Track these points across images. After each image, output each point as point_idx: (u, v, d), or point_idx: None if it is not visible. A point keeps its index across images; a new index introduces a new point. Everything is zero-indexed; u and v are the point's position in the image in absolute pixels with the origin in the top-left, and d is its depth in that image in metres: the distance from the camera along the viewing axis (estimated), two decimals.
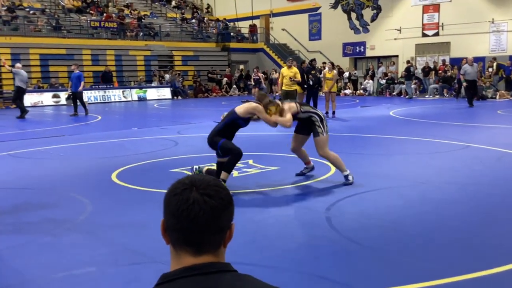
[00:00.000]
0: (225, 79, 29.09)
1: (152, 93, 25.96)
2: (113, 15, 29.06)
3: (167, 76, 26.98)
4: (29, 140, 10.83)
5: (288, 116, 6.24)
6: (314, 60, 16.66)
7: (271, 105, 6.22)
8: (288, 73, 13.81)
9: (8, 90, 22.67)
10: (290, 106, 6.35)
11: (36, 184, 6.69)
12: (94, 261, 3.95)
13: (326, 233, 4.57)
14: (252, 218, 5.04)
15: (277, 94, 16.20)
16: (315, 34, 31.10)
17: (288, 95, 13.50)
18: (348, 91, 27.23)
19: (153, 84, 26.75)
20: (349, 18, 29.37)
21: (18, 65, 17.58)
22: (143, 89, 25.91)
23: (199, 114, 17.50)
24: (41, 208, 5.54)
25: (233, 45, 31.69)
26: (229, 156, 5.98)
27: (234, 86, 29.49)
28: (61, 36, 25.70)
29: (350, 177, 6.38)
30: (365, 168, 7.45)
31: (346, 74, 27.73)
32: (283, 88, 13.88)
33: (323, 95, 15.59)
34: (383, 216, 5.01)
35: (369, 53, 28.70)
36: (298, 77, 13.86)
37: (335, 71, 15.77)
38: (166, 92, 26.43)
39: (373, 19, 28.41)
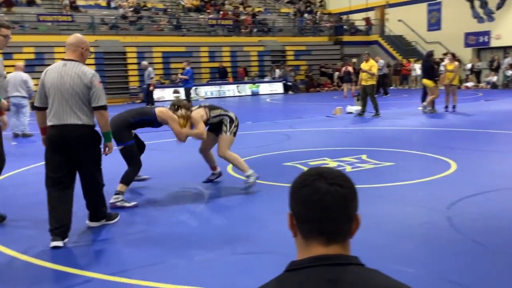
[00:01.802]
0: (337, 73, 28.74)
1: (264, 88, 26.43)
2: (229, 12, 29.99)
3: (277, 72, 27.28)
4: (157, 132, 11.54)
5: (200, 126, 5.89)
6: (431, 51, 15.88)
7: (181, 118, 5.86)
8: (364, 67, 13.63)
9: (133, 86, 24.38)
10: (200, 115, 5.95)
11: (161, 173, 7.12)
12: (210, 249, 4.13)
13: (446, 233, 4.34)
14: (365, 214, 4.92)
15: (356, 90, 15.82)
16: (434, 24, 29.57)
17: (365, 90, 13.49)
18: (470, 84, 25.58)
19: (266, 79, 27.22)
20: (472, 7, 27.51)
21: (145, 63, 18.84)
22: (256, 84, 26.46)
23: (311, 109, 17.50)
24: (164, 197, 5.90)
25: (346, 38, 31.20)
26: (130, 167, 5.66)
27: (346, 80, 28.97)
28: (181, 35, 27.05)
29: (252, 178, 5.99)
30: (488, 166, 6.97)
31: (468, 65, 26.06)
32: (361, 83, 13.73)
33: (443, 88, 14.81)
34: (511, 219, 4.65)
35: (494, 43, 26.67)
36: (374, 70, 13.65)
37: (456, 63, 14.89)
38: (278, 87, 26.76)
39: (499, 6, 26.32)
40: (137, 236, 4.56)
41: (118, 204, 5.42)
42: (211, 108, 6.15)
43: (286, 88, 26.69)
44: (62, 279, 3.68)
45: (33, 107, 4.51)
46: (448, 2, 28.50)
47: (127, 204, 5.45)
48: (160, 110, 5.84)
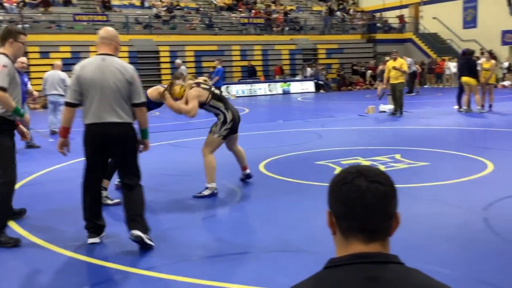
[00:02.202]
0: (370, 71, 28.42)
1: (296, 87, 26.34)
2: (261, 11, 30.02)
3: (308, 70, 27.15)
4: (186, 131, 11.68)
5: (192, 104, 5.63)
6: (470, 49, 15.55)
7: (176, 85, 5.69)
8: (391, 65, 13.47)
9: (166, 85, 24.66)
10: (199, 94, 5.69)
11: (191, 171, 7.19)
12: (244, 246, 4.15)
13: (483, 235, 4.26)
14: (401, 214, 4.87)
15: (382, 89, 15.55)
16: (469, 21, 28.92)
17: (395, 88, 13.33)
18: (507, 83, 24.94)
19: (297, 78, 27.15)
20: (509, 4, 26.75)
21: (178, 61, 19.09)
22: (287, 83, 26.41)
23: (342, 107, 17.37)
24: (193, 194, 5.96)
25: (379, 36, 30.81)
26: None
27: (379, 78, 28.65)
28: (213, 34, 27.22)
29: (206, 192, 5.68)
30: None
31: (505, 64, 25.40)
32: (390, 81, 13.49)
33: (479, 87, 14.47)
34: None
35: None
36: (405, 68, 13.55)
37: (493, 61, 14.54)
38: (309, 86, 26.64)
39: None
40: (167, 232, 4.61)
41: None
42: (215, 96, 5.86)
43: (318, 87, 26.55)
44: (100, 273, 3.77)
45: (66, 104, 4.21)
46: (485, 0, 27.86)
47: (109, 202, 5.44)
48: (150, 91, 5.80)
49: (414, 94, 21.72)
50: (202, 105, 5.80)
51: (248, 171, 6.36)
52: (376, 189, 1.19)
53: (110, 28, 4.43)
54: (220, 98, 5.92)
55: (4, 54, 4.28)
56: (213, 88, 5.95)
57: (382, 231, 1.22)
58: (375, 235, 1.20)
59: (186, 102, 5.72)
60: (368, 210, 1.18)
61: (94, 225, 4.31)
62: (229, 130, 5.81)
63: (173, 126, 12.21)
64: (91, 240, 4.26)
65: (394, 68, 13.43)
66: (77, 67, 4.20)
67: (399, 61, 13.61)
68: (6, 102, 4.22)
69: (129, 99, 4.18)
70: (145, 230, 4.10)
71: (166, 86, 5.79)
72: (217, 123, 5.81)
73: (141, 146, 4.40)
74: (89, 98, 4.12)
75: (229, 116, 5.81)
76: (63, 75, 11.73)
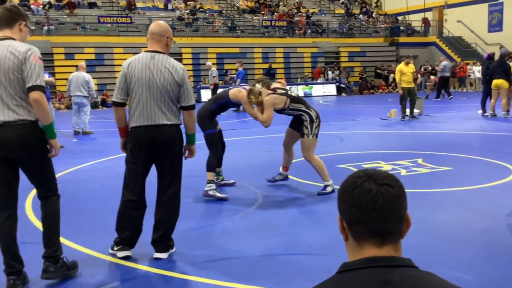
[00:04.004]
0: (392, 75, 28.17)
1: (317, 90, 26.27)
2: (284, 14, 30.04)
3: (330, 73, 27.04)
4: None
5: (267, 114, 5.67)
6: (492, 53, 15.31)
7: (252, 94, 5.73)
8: (407, 70, 13.34)
9: (245, 87, 24.86)
10: (275, 102, 5.68)
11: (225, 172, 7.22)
12: (265, 248, 4.16)
13: (507, 241, 4.19)
14: (423, 219, 4.83)
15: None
16: (495, 25, 28.50)
17: (409, 92, 13.30)
18: None
19: (319, 81, 27.07)
20: None
21: (209, 63, 19.41)
22: (309, 86, 26.35)
23: (364, 111, 17.26)
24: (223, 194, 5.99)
25: (402, 39, 30.56)
26: (210, 152, 5.94)
27: None
28: (235, 36, 27.34)
29: (329, 188, 5.81)
30: None
31: None
32: (403, 85, 13.30)
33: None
34: None
35: None
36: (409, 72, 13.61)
37: None
38: (331, 89, 26.54)
39: None
40: (193, 233, 4.65)
41: (210, 193, 5.75)
42: (293, 99, 5.84)
43: (339, 90, 26.44)
44: (123, 272, 3.82)
45: (113, 103, 3.96)
46: (511, 3, 27.39)
47: (218, 195, 5.75)
48: (233, 92, 5.96)
49: (440, 99, 21.24)
50: (281, 110, 5.82)
51: (287, 172, 6.43)
52: (387, 192, 1.20)
53: (161, 22, 4.05)
54: (298, 100, 5.92)
55: (13, 39, 3.40)
56: (289, 92, 6.00)
57: (395, 233, 1.23)
58: (387, 238, 1.21)
59: (263, 110, 5.77)
60: (380, 213, 1.19)
61: (126, 240, 4.00)
62: (318, 127, 5.86)
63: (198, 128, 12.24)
64: (122, 254, 3.98)
65: (419, 72, 13.35)
66: (124, 64, 3.91)
67: (411, 67, 13.58)
68: (47, 111, 3.36)
69: (178, 102, 3.91)
70: (170, 245, 4.04)
71: (247, 89, 5.88)
72: (306, 125, 5.79)
73: (187, 152, 4.12)
74: (136, 98, 3.84)
75: (313, 114, 5.84)
76: (88, 76, 11.91)
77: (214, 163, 5.95)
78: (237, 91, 5.95)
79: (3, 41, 3.35)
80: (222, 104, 6.04)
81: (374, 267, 1.17)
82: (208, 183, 5.79)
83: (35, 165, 3.46)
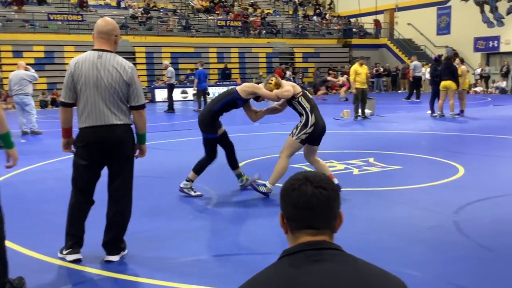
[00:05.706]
0: (345, 76, 28.69)
1: None
2: (240, 15, 30.05)
3: (287, 73, 27.26)
4: (160, 132, 11.60)
5: (287, 87, 5.70)
6: (440, 55, 15.86)
7: (270, 84, 5.83)
8: (362, 71, 13.62)
9: (142, 86, 24.48)
10: (293, 84, 5.86)
11: (167, 173, 7.15)
12: (218, 248, 4.14)
13: (454, 237, 4.33)
14: (374, 217, 4.94)
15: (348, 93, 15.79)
16: (443, 28, 29.50)
17: (363, 93, 13.69)
18: (478, 89, 25.48)
19: None
20: (482, 11, 27.42)
21: (166, 62, 19.16)
22: None
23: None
24: (172, 195, 5.92)
25: (354, 41, 31.18)
26: (206, 156, 5.91)
27: None
28: (190, 36, 27.13)
29: (263, 189, 5.70)
30: (496, 171, 6.95)
31: (478, 70, 25.95)
32: (357, 86, 13.61)
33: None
34: None
35: (503, 48, 26.56)
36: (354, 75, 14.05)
37: (464, 67, 14.84)
38: None
39: (510, 11, 26.24)
40: (145, 234, 4.57)
41: (185, 190, 5.83)
42: (307, 97, 5.76)
43: None
44: (73, 275, 3.71)
45: (61, 103, 3.83)
46: (458, 7, 28.42)
47: (192, 193, 5.83)
48: (241, 87, 5.90)
49: (413, 100, 20.94)
50: (292, 98, 5.69)
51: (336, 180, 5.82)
52: (320, 193, 1.36)
53: (109, 20, 3.92)
54: (309, 100, 5.78)
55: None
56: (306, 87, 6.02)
57: (328, 228, 1.39)
58: (321, 231, 1.38)
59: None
60: (313, 212, 1.36)
61: (77, 241, 3.90)
62: (308, 135, 5.58)
63: (151, 128, 12.08)
64: (72, 257, 3.85)
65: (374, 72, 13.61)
66: (71, 63, 3.78)
67: (365, 68, 13.87)
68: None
69: (128, 101, 3.81)
70: (119, 250, 3.94)
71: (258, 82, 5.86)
72: (298, 125, 5.65)
73: (138, 151, 4.04)
74: (84, 98, 3.72)
75: (311, 120, 5.61)
76: (25, 74, 11.60)
77: (204, 167, 5.90)
78: (248, 84, 6.05)
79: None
80: (227, 102, 5.82)
81: (310, 250, 1.33)
82: (186, 180, 5.86)
83: None
